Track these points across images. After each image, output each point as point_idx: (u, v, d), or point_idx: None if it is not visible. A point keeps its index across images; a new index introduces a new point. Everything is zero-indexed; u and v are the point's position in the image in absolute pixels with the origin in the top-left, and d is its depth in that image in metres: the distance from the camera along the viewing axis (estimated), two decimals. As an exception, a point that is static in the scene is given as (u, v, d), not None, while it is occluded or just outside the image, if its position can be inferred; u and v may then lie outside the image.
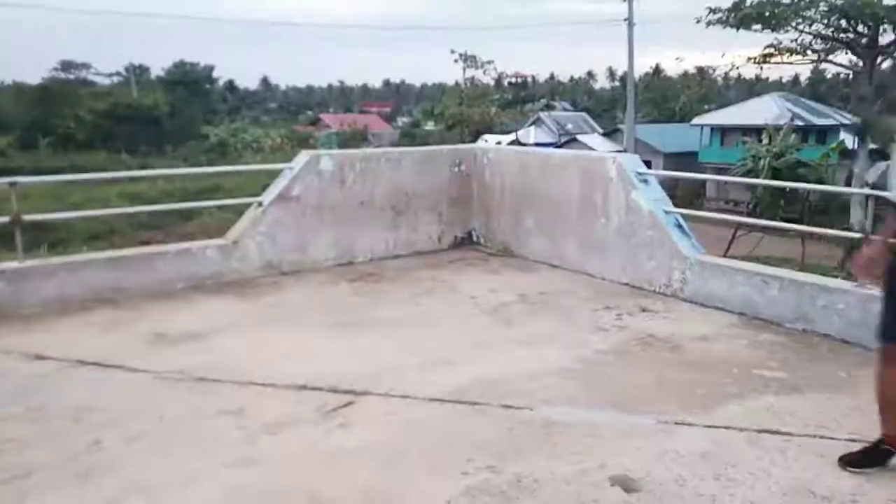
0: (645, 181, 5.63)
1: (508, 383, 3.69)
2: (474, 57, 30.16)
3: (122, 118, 42.97)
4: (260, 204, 5.84)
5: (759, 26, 19.41)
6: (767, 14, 18.43)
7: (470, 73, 30.37)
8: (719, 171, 27.32)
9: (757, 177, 25.31)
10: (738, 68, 23.23)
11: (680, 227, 5.45)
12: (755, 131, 31.29)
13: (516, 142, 31.83)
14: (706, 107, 45.88)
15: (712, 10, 20.53)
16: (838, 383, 3.73)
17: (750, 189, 26.68)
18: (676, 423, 3.28)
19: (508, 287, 5.53)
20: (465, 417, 3.35)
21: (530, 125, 45.98)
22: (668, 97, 52.69)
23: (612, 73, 79.07)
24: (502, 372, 3.84)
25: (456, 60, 28.22)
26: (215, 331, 4.47)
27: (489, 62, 30.74)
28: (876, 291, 3.23)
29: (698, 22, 21.18)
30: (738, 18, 19.10)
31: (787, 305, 4.62)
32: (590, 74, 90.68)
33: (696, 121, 41.24)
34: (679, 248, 5.27)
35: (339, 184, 6.13)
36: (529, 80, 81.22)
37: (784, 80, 54.05)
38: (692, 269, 5.19)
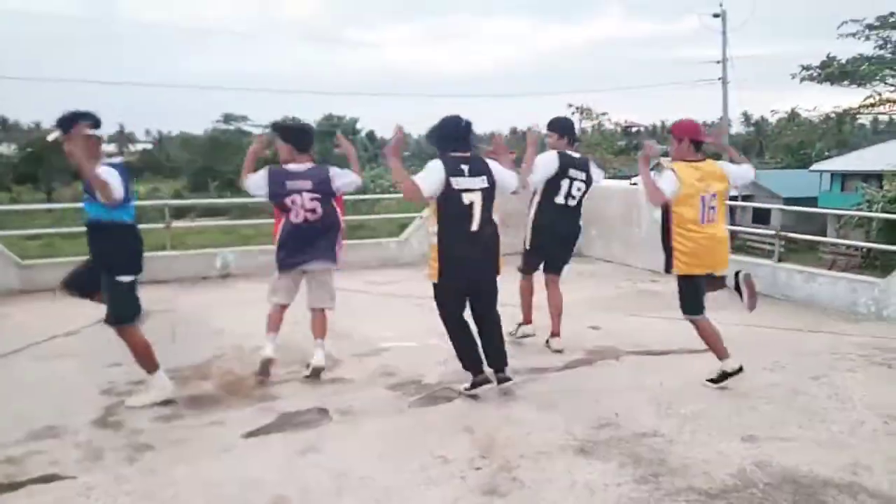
0: (662, 204, 8.78)
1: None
2: (590, 109, 33.42)
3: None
4: (421, 217, 9.51)
5: (846, 82, 21.48)
6: (850, 72, 20.61)
7: (586, 123, 33.52)
8: (838, 217, 27.22)
9: (870, 222, 26.12)
10: (879, 107, 24.25)
11: (682, 233, 8.55)
12: (876, 177, 31.95)
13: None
14: (826, 153, 45.79)
15: (804, 68, 22.78)
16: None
17: (866, 234, 27.37)
18: (631, 315, 6.52)
19: (573, 271, 8.79)
20: (540, 312, 6.71)
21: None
22: (803, 143, 49.90)
23: (747, 118, 73.94)
24: (554, 299, 7.16)
25: (573, 113, 31.49)
26: (397, 281, 8.09)
27: (603, 114, 33.86)
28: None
29: (793, 77, 23.47)
30: (825, 75, 21.31)
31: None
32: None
33: (814, 167, 41.69)
34: (679, 245, 8.35)
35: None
36: (659, 125, 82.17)
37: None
38: (686, 258, 8.28)
